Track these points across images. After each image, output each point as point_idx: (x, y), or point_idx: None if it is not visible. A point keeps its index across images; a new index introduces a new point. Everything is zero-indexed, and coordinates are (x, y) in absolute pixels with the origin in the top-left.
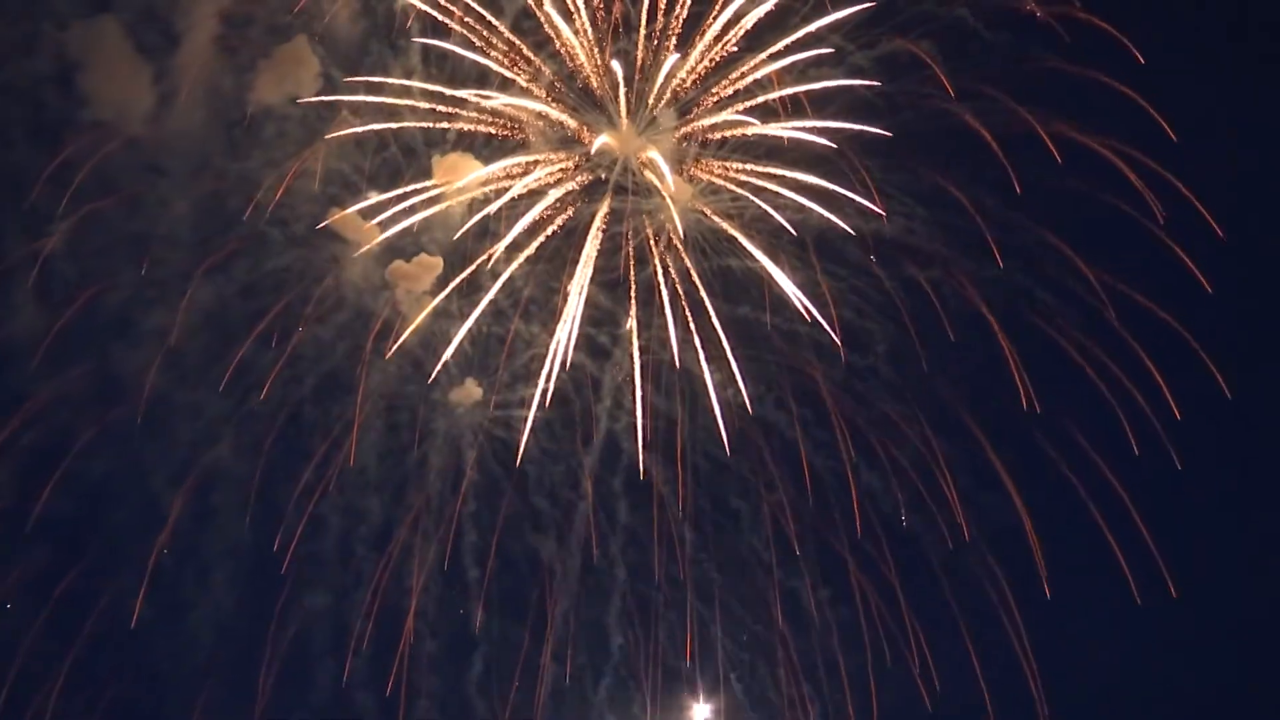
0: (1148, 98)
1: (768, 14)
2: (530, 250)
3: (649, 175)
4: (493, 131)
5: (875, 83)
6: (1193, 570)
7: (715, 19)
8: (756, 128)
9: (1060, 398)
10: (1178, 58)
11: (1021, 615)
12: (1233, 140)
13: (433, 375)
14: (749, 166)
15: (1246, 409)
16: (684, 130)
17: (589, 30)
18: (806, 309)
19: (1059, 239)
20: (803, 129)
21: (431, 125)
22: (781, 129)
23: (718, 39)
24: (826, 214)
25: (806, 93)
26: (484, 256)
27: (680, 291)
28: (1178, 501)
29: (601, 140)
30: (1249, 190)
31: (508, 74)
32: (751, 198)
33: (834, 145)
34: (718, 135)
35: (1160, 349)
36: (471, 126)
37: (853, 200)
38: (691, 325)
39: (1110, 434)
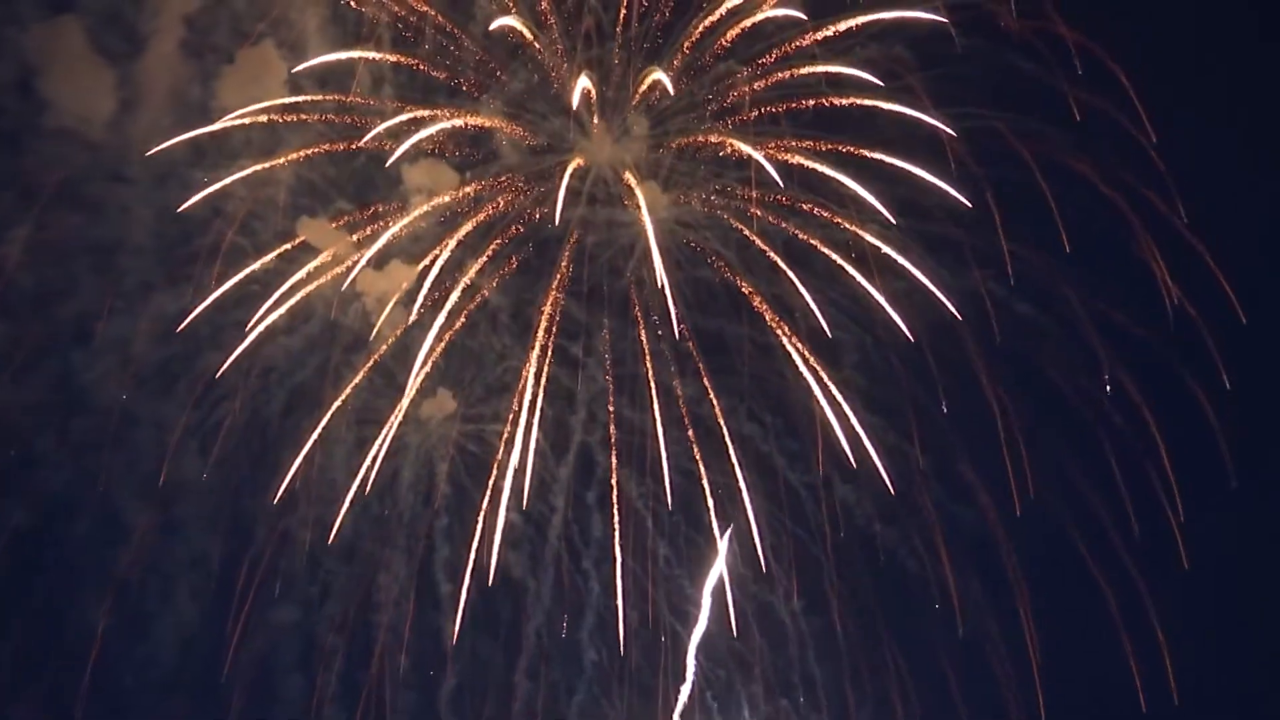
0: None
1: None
2: (503, 268)
3: (623, 187)
4: (459, 151)
5: (951, 132)
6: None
7: (697, 25)
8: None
9: (1059, 482)
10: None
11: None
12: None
13: (401, 412)
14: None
15: (1251, 504)
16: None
17: (561, 38)
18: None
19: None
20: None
21: (392, 147)
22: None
23: (696, 44)
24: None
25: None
26: (455, 270)
27: (653, 304)
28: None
29: (569, 174)
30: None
31: (475, 93)
32: (729, 218)
33: (894, 221)
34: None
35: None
36: (435, 147)
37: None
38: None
39: (1114, 527)
